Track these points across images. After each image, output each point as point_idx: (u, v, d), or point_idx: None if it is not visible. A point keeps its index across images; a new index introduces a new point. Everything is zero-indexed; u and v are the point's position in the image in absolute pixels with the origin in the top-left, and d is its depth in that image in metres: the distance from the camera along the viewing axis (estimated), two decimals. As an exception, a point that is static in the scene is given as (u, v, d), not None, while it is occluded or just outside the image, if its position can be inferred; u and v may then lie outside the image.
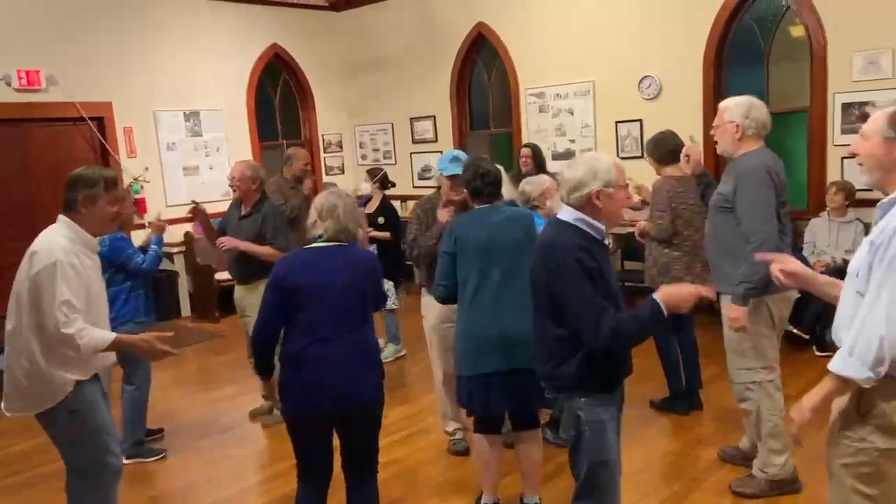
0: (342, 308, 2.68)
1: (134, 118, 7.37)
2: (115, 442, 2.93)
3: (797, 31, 5.97)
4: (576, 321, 2.29)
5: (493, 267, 3.07)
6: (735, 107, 3.20)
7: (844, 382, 1.97)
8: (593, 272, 2.29)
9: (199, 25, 7.86)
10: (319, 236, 2.73)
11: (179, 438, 4.49)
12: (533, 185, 4.05)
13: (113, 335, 2.69)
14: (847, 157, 5.63)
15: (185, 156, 7.81)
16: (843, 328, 2.08)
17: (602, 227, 2.39)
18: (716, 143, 3.34)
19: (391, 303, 5.63)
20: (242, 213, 4.45)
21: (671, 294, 2.32)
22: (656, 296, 2.31)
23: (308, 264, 2.68)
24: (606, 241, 2.43)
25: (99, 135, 7.14)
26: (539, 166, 5.92)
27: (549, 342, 2.41)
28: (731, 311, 3.19)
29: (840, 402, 2.09)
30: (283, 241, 4.28)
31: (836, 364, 1.97)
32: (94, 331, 2.62)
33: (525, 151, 6.10)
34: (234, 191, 4.52)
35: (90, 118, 7.03)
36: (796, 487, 3.35)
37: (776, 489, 3.32)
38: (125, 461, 3.99)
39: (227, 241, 4.35)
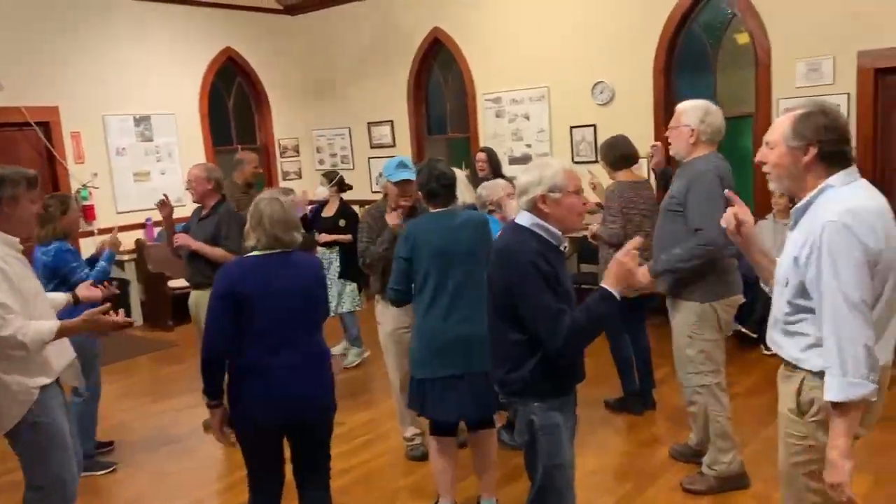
0: (292, 315, 2.65)
1: (82, 123, 7.19)
2: (73, 459, 2.84)
3: (743, 39, 6.13)
4: (534, 325, 2.30)
5: (450, 271, 3.08)
6: (692, 110, 3.24)
7: (854, 406, 1.87)
8: (549, 276, 2.30)
9: (150, 28, 7.71)
10: (253, 247, 2.67)
11: (130, 451, 4.39)
12: (489, 189, 4.08)
13: (57, 323, 2.62)
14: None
15: (136, 161, 7.65)
16: (774, 329, 2.16)
17: (558, 232, 2.39)
18: (669, 144, 3.41)
19: (354, 304, 5.62)
20: (202, 215, 4.41)
21: (610, 274, 2.29)
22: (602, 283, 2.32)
23: (253, 272, 2.62)
24: (563, 247, 2.44)
25: (45, 140, 6.95)
26: (495, 170, 5.97)
27: (504, 346, 2.43)
28: (643, 275, 3.22)
29: (784, 403, 2.15)
30: (235, 243, 4.19)
31: (838, 392, 1.87)
32: (37, 323, 2.55)
33: (481, 156, 6.13)
34: (192, 194, 4.43)
35: (36, 123, 6.83)
36: (744, 483, 3.43)
37: (725, 485, 3.41)
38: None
39: (180, 238, 4.32)
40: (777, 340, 2.15)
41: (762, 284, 2.34)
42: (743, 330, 5.44)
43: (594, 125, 6.82)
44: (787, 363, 2.13)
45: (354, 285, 5.62)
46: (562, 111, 7.05)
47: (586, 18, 6.72)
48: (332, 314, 5.57)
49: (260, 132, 8.99)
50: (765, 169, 2.09)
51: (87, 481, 3.93)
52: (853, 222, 1.87)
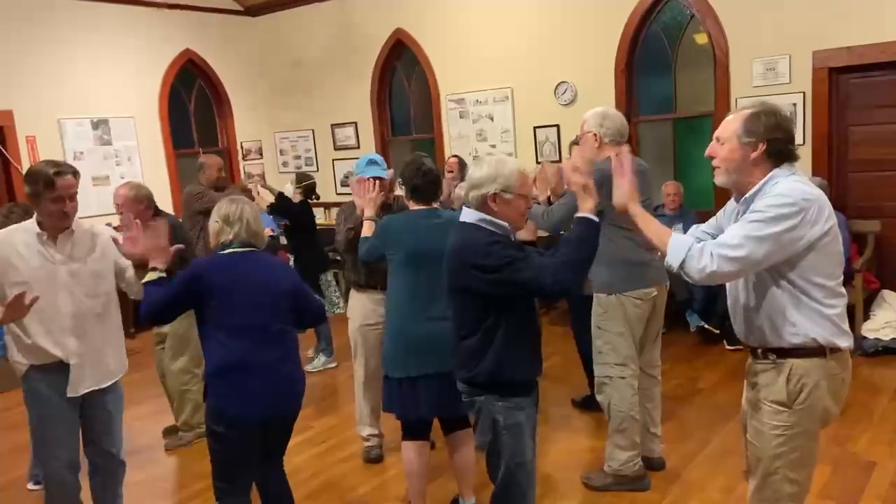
0: (276, 312, 2.69)
1: (37, 127, 7.00)
2: (58, 452, 2.84)
3: (701, 39, 6.23)
4: (521, 288, 2.27)
5: (423, 271, 3.04)
6: (592, 117, 3.40)
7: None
8: (513, 248, 2.31)
9: (107, 30, 7.54)
10: (230, 242, 2.70)
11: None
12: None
13: None
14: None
15: (94, 165, 7.47)
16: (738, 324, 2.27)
17: (506, 225, 2.38)
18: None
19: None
20: None
21: (583, 200, 2.30)
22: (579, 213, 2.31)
23: (232, 268, 2.66)
24: (513, 238, 2.43)
25: (-2, 144, 6.77)
26: (464, 176, 5.99)
27: (464, 347, 2.44)
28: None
29: (765, 396, 2.20)
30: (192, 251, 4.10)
31: (673, 257, 2.13)
32: None
33: (452, 161, 6.22)
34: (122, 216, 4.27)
35: (-12, 127, 6.66)
36: (643, 486, 3.44)
37: (622, 484, 3.43)
38: (34, 487, 3.83)
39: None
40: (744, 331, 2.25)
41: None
42: (706, 327, 5.53)
43: (557, 125, 6.88)
44: (766, 355, 2.20)
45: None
46: (525, 111, 7.09)
47: (548, 19, 6.77)
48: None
49: (222, 135, 8.87)
50: (715, 163, 2.20)
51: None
52: (793, 198, 2.03)
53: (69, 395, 2.85)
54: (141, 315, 2.70)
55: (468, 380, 2.46)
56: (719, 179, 2.21)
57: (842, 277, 2.17)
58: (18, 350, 2.83)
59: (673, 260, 2.12)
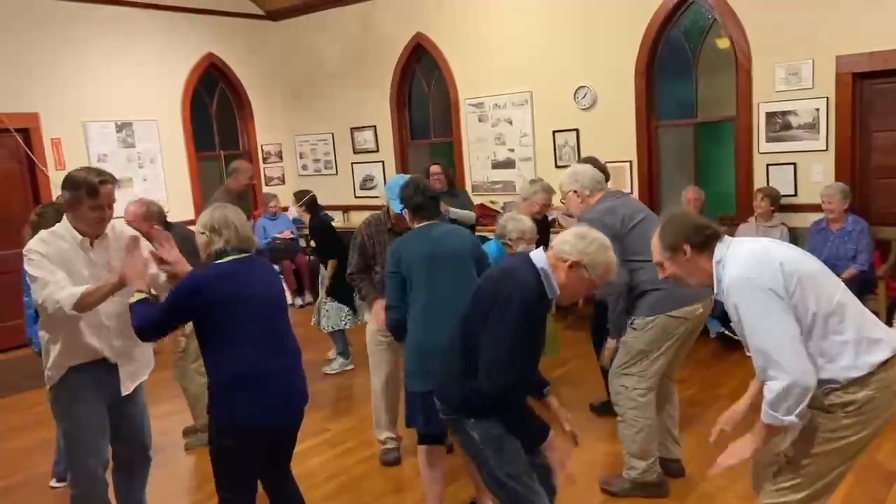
0: (279, 318, 2.67)
1: (62, 129, 7.13)
2: (94, 451, 2.88)
3: (723, 43, 6.19)
4: (484, 356, 2.32)
5: (440, 278, 3.05)
6: (565, 179, 3.57)
7: (775, 429, 2.16)
8: (532, 318, 2.34)
9: (131, 34, 7.66)
10: (223, 251, 2.59)
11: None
12: (517, 223, 4.00)
13: (82, 288, 2.65)
14: (772, 164, 5.87)
15: (118, 168, 7.53)
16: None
17: (556, 290, 2.40)
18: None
19: (342, 323, 5.53)
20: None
21: (555, 451, 2.46)
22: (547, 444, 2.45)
23: (232, 277, 2.56)
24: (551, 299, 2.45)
25: (25, 146, 6.88)
26: (450, 183, 5.86)
27: (457, 359, 2.44)
28: (610, 352, 3.53)
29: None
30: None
31: (768, 418, 2.12)
32: (64, 290, 2.64)
33: (435, 169, 5.82)
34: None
35: (15, 130, 6.76)
36: (662, 491, 3.42)
37: (640, 490, 3.41)
38: (57, 484, 3.88)
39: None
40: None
41: None
42: (726, 332, 5.48)
43: (577, 129, 6.87)
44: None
45: (343, 306, 5.48)
46: (545, 115, 7.09)
47: (568, 23, 6.76)
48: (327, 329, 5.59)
49: (243, 138, 8.95)
50: (674, 280, 2.37)
51: (67, 492, 3.89)
52: (751, 274, 2.12)
53: (123, 393, 2.92)
54: (137, 333, 2.62)
55: (445, 395, 2.50)
56: (689, 286, 2.38)
57: (843, 294, 2.17)
58: (62, 350, 2.80)
59: (776, 420, 2.12)
